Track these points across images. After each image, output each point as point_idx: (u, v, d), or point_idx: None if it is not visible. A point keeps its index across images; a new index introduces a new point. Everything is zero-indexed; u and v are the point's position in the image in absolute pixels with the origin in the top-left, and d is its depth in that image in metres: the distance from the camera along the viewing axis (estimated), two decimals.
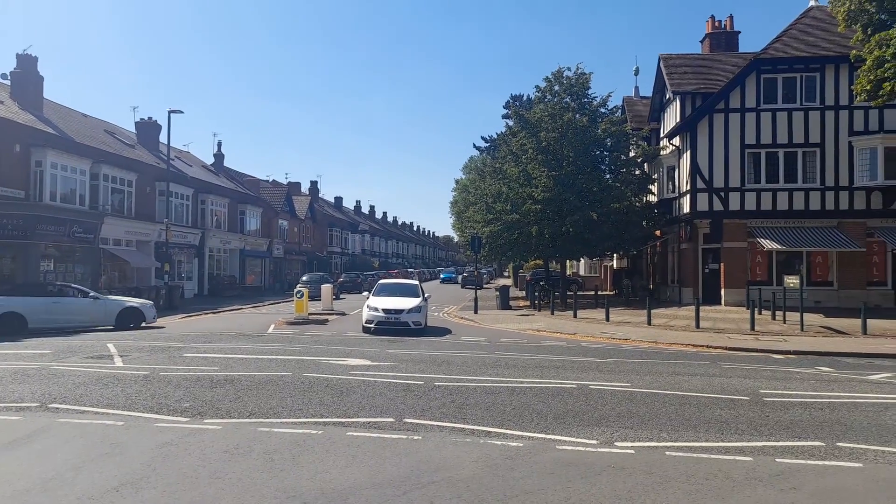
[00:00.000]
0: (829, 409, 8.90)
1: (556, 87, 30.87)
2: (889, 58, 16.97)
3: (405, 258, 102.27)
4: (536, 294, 29.91)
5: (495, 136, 49.90)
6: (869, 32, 17.83)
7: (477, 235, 29.97)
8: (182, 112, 30.53)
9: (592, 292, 33.37)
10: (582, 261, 46.25)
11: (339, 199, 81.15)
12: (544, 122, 29.57)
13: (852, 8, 17.79)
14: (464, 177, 72.13)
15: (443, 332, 19.54)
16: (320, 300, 27.84)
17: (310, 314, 23.19)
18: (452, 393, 9.56)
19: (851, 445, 7.08)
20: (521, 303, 33.15)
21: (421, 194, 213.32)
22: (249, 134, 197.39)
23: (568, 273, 43.36)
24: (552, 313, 26.07)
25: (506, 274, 78.31)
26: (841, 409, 8.96)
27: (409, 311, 18.49)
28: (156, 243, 32.98)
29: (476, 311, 26.59)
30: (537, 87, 31.95)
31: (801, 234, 24.22)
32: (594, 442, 7.09)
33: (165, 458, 6.30)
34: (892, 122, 24.06)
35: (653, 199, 31.26)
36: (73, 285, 20.97)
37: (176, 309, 27.96)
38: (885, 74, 17.25)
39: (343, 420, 7.89)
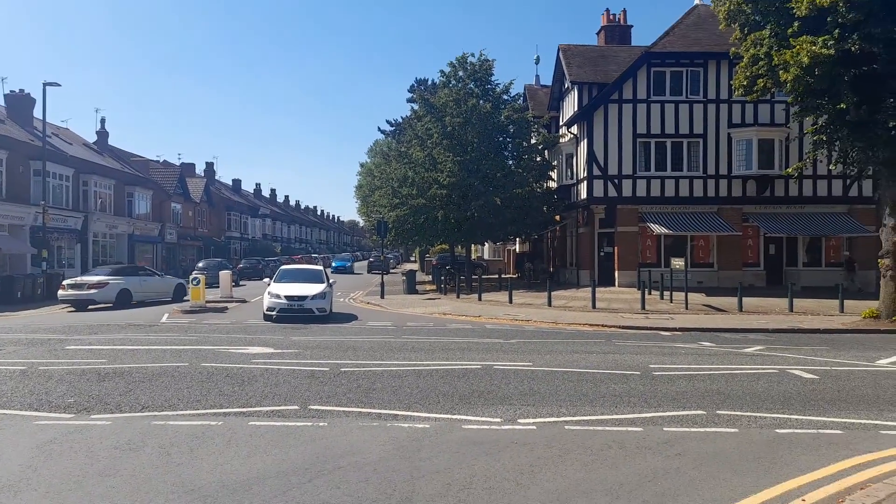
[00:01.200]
0: (709, 381, 9.66)
1: (461, 73, 31.14)
2: (762, 56, 18.37)
3: (309, 243, 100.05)
4: (442, 278, 30.27)
5: (401, 120, 49.68)
6: (745, 32, 19.20)
7: (383, 220, 29.83)
8: (59, 85, 28.09)
9: (496, 276, 34.22)
10: (486, 245, 47.24)
11: (237, 182, 77.83)
12: (449, 107, 29.78)
13: (731, 8, 19.06)
14: (369, 160, 71.35)
15: (349, 318, 19.35)
16: (218, 287, 26.70)
17: (207, 302, 22.21)
18: (359, 378, 9.51)
19: (728, 413, 7.73)
20: (428, 287, 33.43)
21: (325, 178, 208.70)
22: (137, 111, 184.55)
23: (473, 257, 44.15)
24: (458, 297, 26.49)
25: (413, 259, 78.56)
26: (720, 380, 9.75)
27: (314, 297, 18.12)
28: (31, 228, 30.28)
29: (383, 297, 26.53)
30: (442, 71, 32.11)
31: (686, 220, 25.98)
32: (498, 420, 7.31)
33: (48, 458, 5.84)
34: (765, 116, 26.24)
35: (553, 185, 32.37)
36: (146, 267, 29.08)
37: (57, 298, 25.83)
38: (759, 71, 18.67)
39: (245, 410, 7.64)
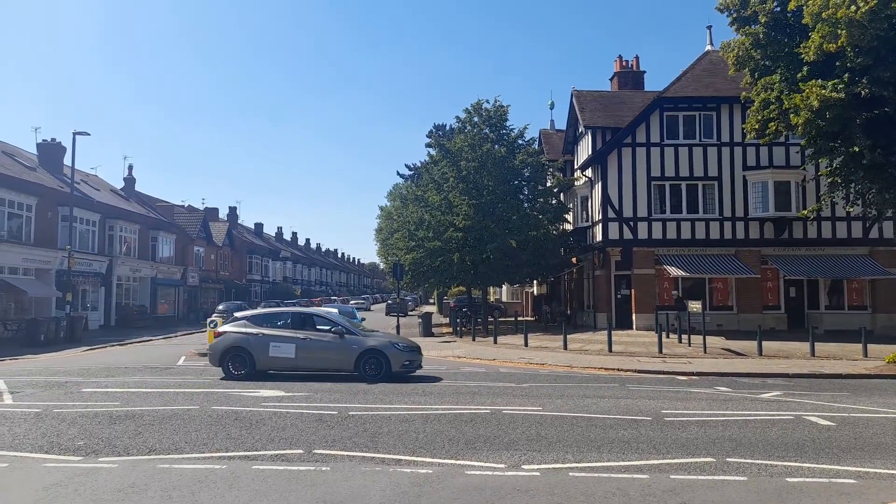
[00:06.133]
0: (722, 427, 9.46)
1: (476, 119, 31.74)
2: (773, 100, 18.54)
3: (329, 285, 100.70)
4: (459, 321, 30.20)
5: (419, 164, 50.47)
6: (756, 76, 19.44)
7: (399, 262, 30.06)
8: (88, 134, 29.20)
9: (513, 318, 34.04)
10: (504, 287, 47.14)
11: (259, 226, 79.19)
12: (464, 151, 30.27)
13: (740, 54, 19.37)
14: (388, 203, 72.11)
15: None
16: None
17: None
18: (366, 422, 9.50)
19: (739, 460, 7.56)
20: (445, 329, 33.33)
21: (346, 221, 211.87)
22: (164, 159, 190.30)
23: (491, 300, 44.05)
24: (473, 339, 26.37)
25: (431, 301, 78.51)
26: (733, 426, 9.55)
27: None
28: (57, 271, 31.01)
29: None
30: (457, 117, 32.79)
31: (703, 262, 25.79)
32: (502, 466, 7.24)
33: (52, 500, 5.92)
34: (780, 158, 26.22)
35: (568, 227, 32.45)
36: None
37: (79, 341, 26.28)
38: (771, 115, 18.81)
39: (250, 453, 7.67)
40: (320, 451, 7.77)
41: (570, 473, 6.96)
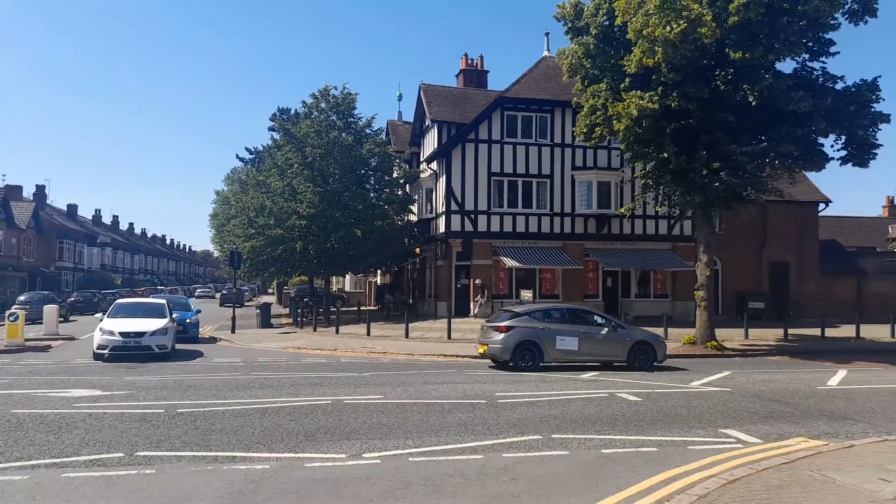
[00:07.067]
0: (548, 406, 10.23)
1: (323, 105, 31.00)
2: (599, 107, 20.29)
3: (156, 274, 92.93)
4: (300, 311, 29.45)
5: (261, 149, 48.26)
6: (586, 84, 21.12)
7: (236, 250, 28.55)
8: None
9: (356, 308, 33.93)
10: (347, 277, 46.75)
11: (73, 207, 70.70)
12: (311, 137, 29.47)
13: (573, 62, 20.93)
14: (226, 188, 68.29)
15: (193, 354, 18.13)
16: (42, 323, 23.89)
17: (27, 340, 19.80)
18: (197, 419, 8.94)
19: (562, 436, 8.23)
20: (285, 320, 32.33)
21: (177, 206, 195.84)
22: None
23: (334, 289, 43.47)
24: (315, 330, 25.89)
25: (270, 291, 75.64)
26: (557, 405, 10.36)
27: (154, 333, 16.76)
28: None
29: (234, 331, 25.23)
30: (304, 102, 31.79)
31: (535, 254, 27.59)
32: (343, 456, 7.20)
33: None
34: (604, 160, 28.75)
35: (413, 218, 32.96)
36: None
37: None
38: (597, 120, 20.57)
39: (58, 460, 6.87)
40: (144, 453, 7.18)
41: (411, 459, 7.12)
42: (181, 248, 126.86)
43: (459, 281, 28.20)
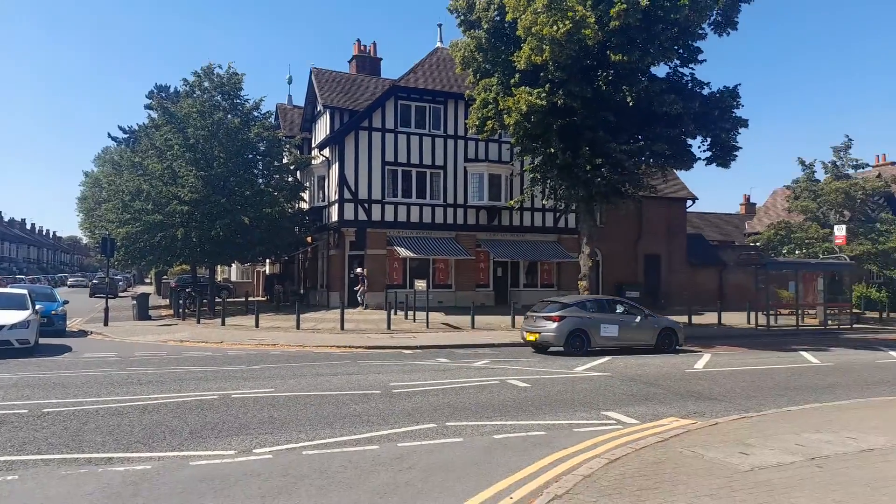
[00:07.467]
0: (442, 394, 10.41)
1: (207, 84, 29.32)
2: (491, 101, 20.77)
3: (14, 262, 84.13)
4: (182, 302, 27.84)
5: (136, 128, 44.95)
6: (478, 77, 21.52)
7: (109, 236, 26.44)
8: None
9: (244, 298, 32.64)
10: (234, 266, 44.81)
11: None
12: (193, 118, 27.81)
13: (466, 55, 21.25)
14: (96, 169, 63.12)
15: (61, 349, 16.64)
16: None
17: None
18: (66, 419, 8.24)
19: (456, 424, 8.41)
20: (164, 312, 30.45)
21: (38, 187, 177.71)
22: None
23: (219, 279, 41.51)
24: (198, 322, 24.60)
25: (148, 281, 70.89)
26: (451, 393, 10.56)
27: (14, 326, 15.20)
28: None
29: (106, 324, 23.40)
30: (185, 80, 29.92)
31: (429, 244, 27.85)
32: (231, 452, 6.93)
33: None
34: (495, 153, 29.50)
35: (305, 206, 32.13)
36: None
37: None
38: (489, 114, 21.05)
39: None
40: (4, 458, 6.52)
41: (304, 452, 6.99)
42: (44, 232, 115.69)
43: (353, 271, 27.91)
